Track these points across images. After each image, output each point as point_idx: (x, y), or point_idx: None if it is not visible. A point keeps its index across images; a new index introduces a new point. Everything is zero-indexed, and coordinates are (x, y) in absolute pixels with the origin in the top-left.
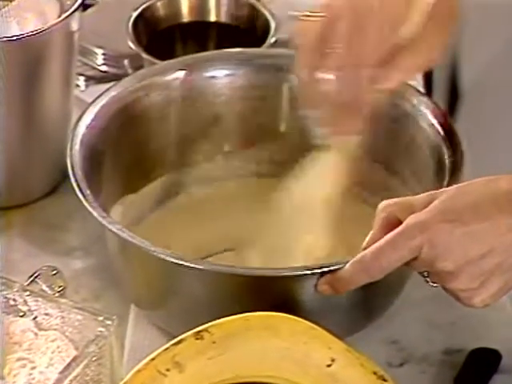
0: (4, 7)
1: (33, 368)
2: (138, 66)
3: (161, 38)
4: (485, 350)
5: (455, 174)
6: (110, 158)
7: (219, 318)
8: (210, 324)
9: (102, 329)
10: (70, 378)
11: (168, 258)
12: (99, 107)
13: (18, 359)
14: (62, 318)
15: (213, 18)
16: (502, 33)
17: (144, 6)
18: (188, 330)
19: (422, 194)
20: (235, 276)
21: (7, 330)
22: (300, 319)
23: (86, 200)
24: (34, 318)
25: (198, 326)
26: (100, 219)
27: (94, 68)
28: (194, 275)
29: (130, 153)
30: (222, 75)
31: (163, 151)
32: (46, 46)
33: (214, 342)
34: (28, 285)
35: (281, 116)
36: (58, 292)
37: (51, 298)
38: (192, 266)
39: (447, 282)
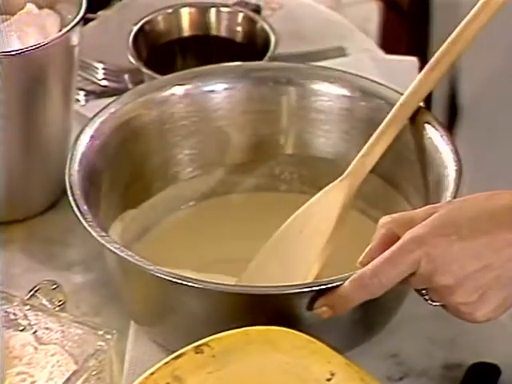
0: (5, 21)
1: (33, 382)
2: (138, 80)
3: (161, 52)
4: (484, 365)
5: (454, 188)
6: (110, 174)
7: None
8: (209, 338)
9: (102, 343)
10: None
11: (166, 277)
12: (98, 124)
13: (18, 373)
14: (62, 332)
15: (213, 32)
16: (501, 48)
17: (144, 21)
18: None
19: (421, 208)
20: (234, 294)
21: (7, 344)
22: (300, 333)
23: (85, 219)
24: (34, 332)
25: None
26: (99, 238)
27: (94, 83)
28: (193, 293)
29: (130, 168)
30: (220, 89)
31: (162, 166)
32: (46, 61)
33: (213, 356)
34: (28, 299)
35: (280, 129)
36: (58, 306)
37: (51, 313)
38: (191, 284)
39: (446, 297)
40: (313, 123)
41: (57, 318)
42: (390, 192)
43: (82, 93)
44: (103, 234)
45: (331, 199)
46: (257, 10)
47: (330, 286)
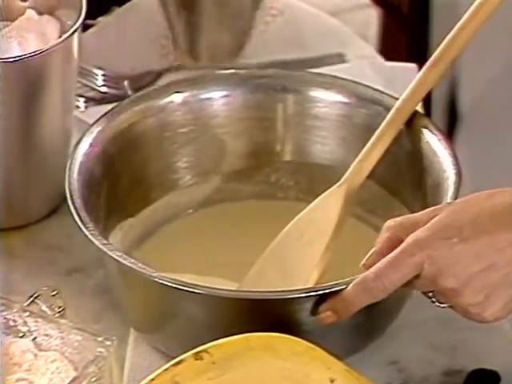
0: (5, 27)
1: None
2: (137, 87)
3: None
4: (484, 371)
5: (453, 193)
6: (109, 181)
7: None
8: (209, 344)
9: (102, 349)
10: None
11: (169, 283)
12: (97, 132)
13: (18, 380)
14: (62, 338)
15: None
16: (501, 54)
17: None
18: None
19: (424, 211)
20: (234, 299)
21: (7, 351)
22: (300, 340)
23: (86, 227)
24: (34, 339)
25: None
26: (100, 246)
27: (94, 89)
28: (194, 299)
29: (129, 176)
30: (217, 96)
31: (161, 174)
32: (46, 67)
33: (213, 363)
34: (28, 305)
35: (277, 136)
36: (58, 313)
37: (51, 319)
38: (192, 290)
39: (453, 299)
40: (310, 130)
41: (56, 324)
42: (388, 198)
43: (81, 99)
44: (104, 241)
45: (329, 205)
46: None
47: (331, 290)
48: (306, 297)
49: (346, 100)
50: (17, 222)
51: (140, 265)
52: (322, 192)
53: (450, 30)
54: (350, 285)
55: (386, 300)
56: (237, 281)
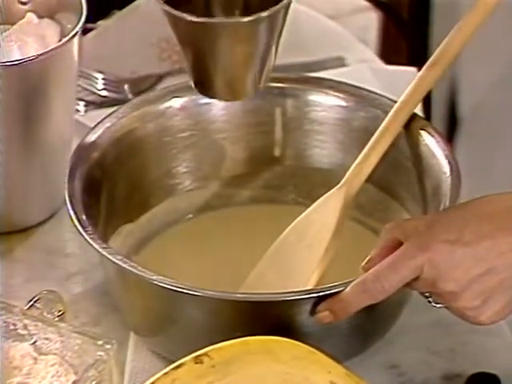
0: (5, 31)
1: None
2: (138, 90)
3: None
4: (484, 375)
5: (452, 196)
6: (108, 186)
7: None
8: (209, 348)
9: (102, 353)
10: None
11: (169, 287)
12: (96, 136)
13: None
14: (62, 342)
15: None
16: (501, 59)
17: None
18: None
19: (424, 216)
20: (234, 302)
21: (7, 355)
22: (300, 343)
23: (85, 231)
24: (34, 343)
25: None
26: (100, 250)
27: (94, 93)
28: (194, 302)
29: (128, 181)
30: (216, 101)
31: (160, 179)
32: (46, 71)
33: (213, 367)
34: (28, 309)
35: (276, 140)
36: (58, 316)
37: (51, 323)
38: (192, 293)
39: (451, 302)
40: (308, 134)
41: (56, 328)
42: (388, 201)
43: (81, 103)
44: (104, 245)
45: (329, 207)
46: None
47: (330, 292)
48: (306, 298)
49: (344, 104)
50: (17, 225)
51: (139, 268)
52: (321, 196)
53: None
54: (350, 286)
55: (385, 303)
56: (237, 284)
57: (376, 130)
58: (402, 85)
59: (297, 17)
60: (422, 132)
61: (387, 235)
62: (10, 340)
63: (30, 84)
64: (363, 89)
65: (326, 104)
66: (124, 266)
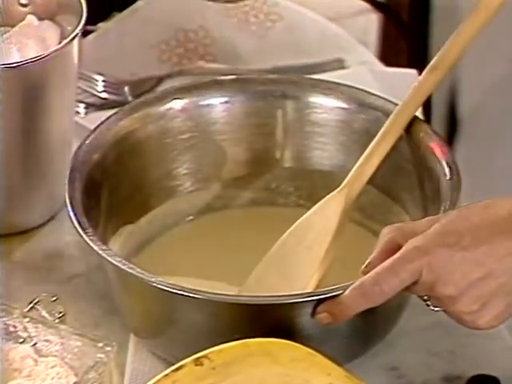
0: (5, 33)
1: None
2: (138, 93)
3: None
4: (483, 377)
5: (453, 199)
6: (108, 188)
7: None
8: (209, 350)
9: (102, 355)
10: None
11: (169, 289)
12: (96, 138)
13: None
14: (62, 344)
15: None
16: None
17: None
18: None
19: (423, 219)
20: (234, 305)
21: (7, 357)
22: (300, 345)
23: (85, 233)
24: (34, 345)
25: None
26: (100, 252)
27: (94, 95)
28: (194, 304)
29: (128, 182)
30: (217, 103)
31: (161, 180)
32: (46, 73)
33: (213, 369)
34: (28, 311)
35: (277, 142)
36: (58, 318)
37: (51, 325)
38: (192, 295)
39: (449, 306)
40: (309, 136)
41: (56, 330)
42: (388, 203)
43: (81, 105)
44: (104, 247)
45: (329, 210)
46: None
47: (330, 295)
48: (306, 301)
49: (345, 106)
50: (17, 227)
51: (139, 270)
52: (322, 198)
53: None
54: (349, 289)
55: (385, 306)
56: (237, 287)
57: (377, 132)
58: (402, 87)
59: (297, 19)
60: (423, 135)
61: (386, 238)
62: (11, 342)
63: (30, 86)
64: (364, 91)
65: (326, 106)
66: (124, 268)
